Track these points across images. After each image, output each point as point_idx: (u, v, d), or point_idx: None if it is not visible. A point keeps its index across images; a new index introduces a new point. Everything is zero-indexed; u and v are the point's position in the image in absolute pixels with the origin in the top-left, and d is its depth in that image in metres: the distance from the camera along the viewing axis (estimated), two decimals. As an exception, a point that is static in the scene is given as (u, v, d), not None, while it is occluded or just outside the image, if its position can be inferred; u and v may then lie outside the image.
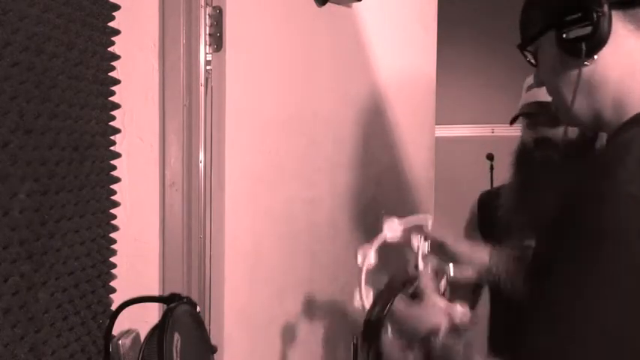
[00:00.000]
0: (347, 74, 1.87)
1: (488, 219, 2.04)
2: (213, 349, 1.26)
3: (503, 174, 2.59)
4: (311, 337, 1.77)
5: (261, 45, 1.65)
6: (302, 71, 1.75)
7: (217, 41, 1.58)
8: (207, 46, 1.59)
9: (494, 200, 2.05)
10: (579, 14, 0.97)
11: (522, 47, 1.13)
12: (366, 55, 1.94)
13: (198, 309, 1.22)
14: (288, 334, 1.73)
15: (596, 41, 0.97)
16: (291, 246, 1.75)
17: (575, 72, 1.01)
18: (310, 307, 1.78)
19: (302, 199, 1.77)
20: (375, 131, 1.97)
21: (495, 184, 2.69)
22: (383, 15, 1.99)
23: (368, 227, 1.91)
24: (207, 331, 1.26)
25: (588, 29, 0.96)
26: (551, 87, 1.10)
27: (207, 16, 1.58)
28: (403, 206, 2.11)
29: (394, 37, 2.04)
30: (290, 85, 1.72)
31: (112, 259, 1.41)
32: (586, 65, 0.99)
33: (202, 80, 1.59)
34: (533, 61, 1.13)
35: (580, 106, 1.04)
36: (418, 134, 2.15)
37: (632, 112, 0.98)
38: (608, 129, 1.04)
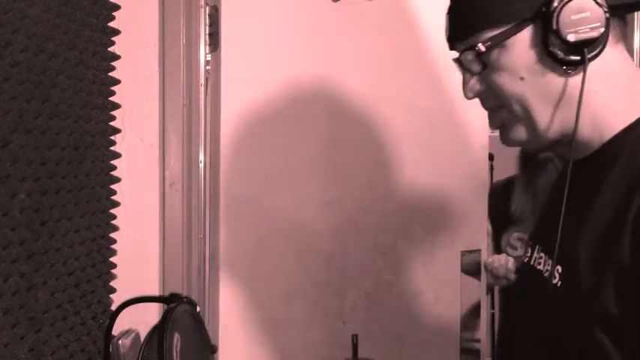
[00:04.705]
0: (379, 71, 1.77)
1: (499, 208, 2.22)
2: (213, 349, 1.26)
3: (503, 174, 2.61)
4: (314, 338, 1.76)
5: (261, 43, 1.64)
6: (315, 69, 1.72)
7: (215, 41, 1.58)
8: (207, 46, 1.59)
9: (503, 191, 2.33)
10: (587, 13, 0.81)
11: (463, 45, 0.90)
12: (402, 53, 1.86)
13: (198, 309, 1.22)
14: (291, 335, 1.72)
15: (598, 46, 0.83)
16: (303, 248, 1.73)
17: (559, 80, 0.85)
18: (320, 311, 1.76)
19: (318, 201, 1.74)
20: (410, 131, 1.86)
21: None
22: (424, 14, 1.89)
23: (397, 231, 1.88)
24: (207, 331, 1.26)
25: (597, 31, 0.82)
26: (512, 99, 0.88)
27: (206, 16, 1.58)
28: (442, 211, 1.97)
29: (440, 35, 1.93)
30: (299, 83, 1.69)
31: (112, 259, 1.41)
32: (569, 74, 0.85)
33: (202, 80, 1.59)
34: (472, 65, 0.90)
35: (550, 124, 0.87)
36: (466, 134, 1.98)
37: (613, 129, 0.85)
38: (583, 150, 0.88)
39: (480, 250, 2.08)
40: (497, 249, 2.37)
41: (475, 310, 2.11)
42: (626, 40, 0.89)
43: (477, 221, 2.03)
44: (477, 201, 2.03)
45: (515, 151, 2.44)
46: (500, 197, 2.33)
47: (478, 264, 2.10)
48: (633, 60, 2.11)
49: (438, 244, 1.95)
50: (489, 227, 2.19)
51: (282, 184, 1.69)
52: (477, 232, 2.04)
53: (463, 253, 2.03)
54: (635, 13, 1.91)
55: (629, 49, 1.97)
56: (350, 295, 1.80)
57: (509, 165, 2.53)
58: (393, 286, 1.86)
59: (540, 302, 0.88)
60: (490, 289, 2.55)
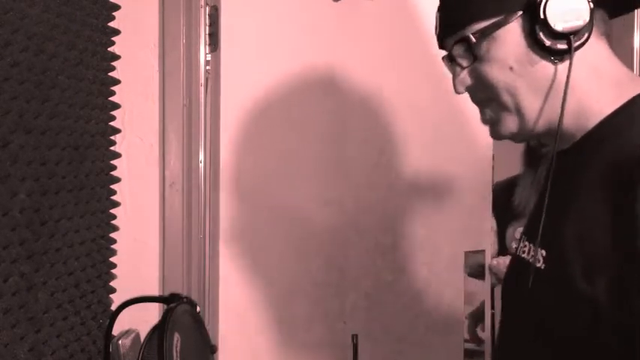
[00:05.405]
0: (380, 70, 1.79)
1: (503, 204, 2.28)
2: (213, 349, 1.26)
3: (504, 174, 2.61)
4: (314, 338, 1.76)
5: (261, 43, 1.63)
6: (315, 69, 1.71)
7: (215, 41, 1.58)
8: (207, 46, 1.59)
9: (507, 187, 2.41)
10: (573, 3, 0.84)
11: (453, 39, 0.92)
12: (402, 52, 1.85)
13: (198, 309, 1.22)
14: (292, 335, 1.72)
15: (583, 34, 0.86)
16: (303, 248, 1.72)
17: (547, 69, 0.87)
18: (320, 311, 1.75)
19: (318, 200, 1.74)
20: (412, 130, 1.84)
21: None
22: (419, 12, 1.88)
23: (397, 231, 1.88)
24: (207, 331, 1.26)
25: (582, 20, 0.84)
26: (502, 89, 0.90)
27: (206, 16, 1.58)
28: (442, 212, 1.96)
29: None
30: (299, 84, 1.69)
31: (112, 259, 1.41)
32: (556, 63, 0.87)
33: (202, 80, 1.59)
34: (463, 58, 0.93)
35: (538, 113, 0.89)
36: (469, 132, 1.96)
37: (594, 120, 0.87)
38: (568, 139, 0.90)
39: (484, 251, 2.08)
40: (502, 245, 2.38)
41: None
42: (610, 40, 0.92)
43: (480, 221, 2.03)
44: (480, 200, 2.03)
45: (517, 150, 2.44)
46: (504, 193, 2.36)
47: (482, 265, 2.09)
48: (633, 60, 2.11)
49: (439, 244, 1.94)
50: (494, 224, 2.21)
51: (282, 184, 1.69)
52: (480, 232, 2.04)
53: (467, 254, 2.03)
54: (636, 13, 1.91)
55: (629, 49, 1.99)
56: (350, 295, 1.80)
57: (510, 165, 2.52)
58: (393, 286, 1.86)
59: (527, 289, 0.89)
60: (490, 289, 2.56)
